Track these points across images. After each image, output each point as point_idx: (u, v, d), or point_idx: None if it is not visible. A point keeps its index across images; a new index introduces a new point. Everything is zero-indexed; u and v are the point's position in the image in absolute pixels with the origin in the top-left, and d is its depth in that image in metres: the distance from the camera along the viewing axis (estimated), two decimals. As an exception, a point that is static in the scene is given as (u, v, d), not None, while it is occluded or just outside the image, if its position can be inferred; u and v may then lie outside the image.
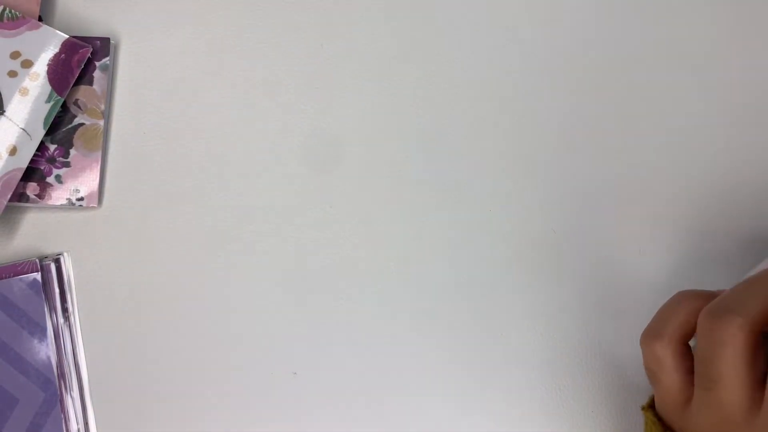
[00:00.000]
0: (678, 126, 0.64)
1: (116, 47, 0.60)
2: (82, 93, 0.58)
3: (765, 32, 0.65)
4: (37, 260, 0.55)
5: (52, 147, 0.57)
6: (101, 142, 0.58)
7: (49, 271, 0.56)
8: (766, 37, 0.65)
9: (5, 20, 0.56)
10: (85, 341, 0.57)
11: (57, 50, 0.56)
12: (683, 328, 0.46)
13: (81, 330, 0.57)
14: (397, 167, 0.61)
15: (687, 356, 0.46)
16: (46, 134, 0.56)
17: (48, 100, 0.56)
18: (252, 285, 0.59)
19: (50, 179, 0.57)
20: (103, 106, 0.58)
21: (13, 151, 0.55)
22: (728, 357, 0.41)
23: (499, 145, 0.62)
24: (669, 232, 0.63)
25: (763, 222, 0.64)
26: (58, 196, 0.57)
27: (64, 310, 0.56)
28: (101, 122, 0.58)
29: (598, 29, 0.64)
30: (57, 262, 0.56)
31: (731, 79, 0.65)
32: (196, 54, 0.60)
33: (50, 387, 0.55)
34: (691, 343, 0.47)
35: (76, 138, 0.57)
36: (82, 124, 0.58)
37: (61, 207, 0.57)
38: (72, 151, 0.57)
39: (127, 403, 0.57)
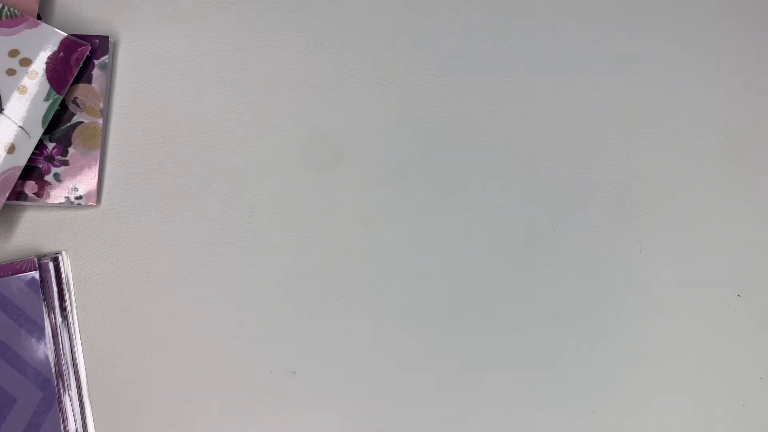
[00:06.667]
0: (677, 126, 0.64)
1: (115, 45, 0.59)
2: (81, 91, 0.58)
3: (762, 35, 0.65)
4: (36, 259, 0.55)
5: (51, 145, 0.57)
6: (100, 140, 0.58)
7: (48, 269, 0.56)
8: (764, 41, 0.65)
9: (4, 18, 0.56)
10: (83, 340, 0.57)
11: (56, 48, 0.56)
12: None
13: (79, 329, 0.57)
14: (397, 167, 0.61)
15: None
16: (45, 132, 0.56)
17: (46, 99, 0.56)
18: (252, 284, 0.59)
19: (49, 177, 0.57)
20: (102, 105, 0.58)
21: (11, 150, 0.55)
22: None
23: (499, 145, 0.62)
24: (669, 230, 0.63)
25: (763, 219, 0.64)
26: (57, 194, 0.57)
27: (63, 309, 0.56)
28: (100, 120, 0.58)
29: (599, 30, 0.64)
30: (55, 260, 0.56)
31: (731, 80, 0.65)
32: (195, 52, 0.60)
33: (48, 386, 0.54)
34: None
35: (75, 136, 0.57)
36: (80, 123, 0.57)
37: (60, 205, 0.57)
38: (71, 150, 0.57)
39: (126, 402, 0.57)
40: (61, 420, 0.55)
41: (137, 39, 0.60)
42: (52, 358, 0.55)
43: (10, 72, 0.55)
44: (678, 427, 0.62)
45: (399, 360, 0.59)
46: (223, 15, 0.61)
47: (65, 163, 0.57)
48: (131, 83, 0.59)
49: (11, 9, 0.56)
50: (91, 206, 0.58)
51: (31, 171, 0.56)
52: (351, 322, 0.59)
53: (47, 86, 0.56)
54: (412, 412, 0.59)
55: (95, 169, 0.57)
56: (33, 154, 0.56)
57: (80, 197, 0.57)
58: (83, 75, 0.58)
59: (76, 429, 0.55)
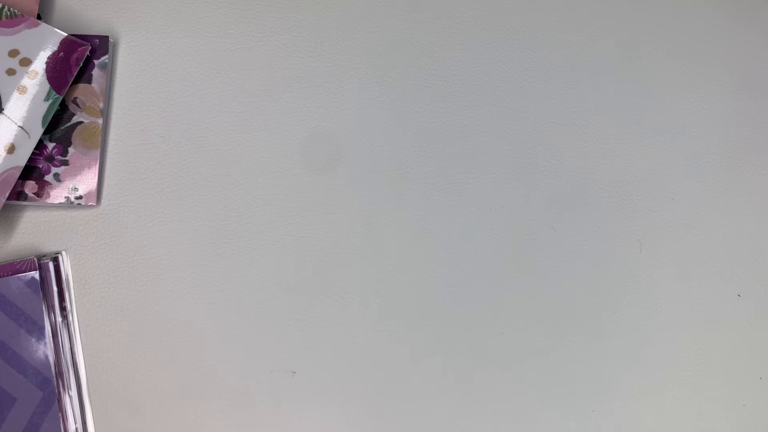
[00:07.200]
0: (677, 126, 0.64)
1: (115, 45, 0.59)
2: (81, 91, 0.58)
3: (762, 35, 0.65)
4: (36, 259, 0.55)
5: (51, 145, 0.57)
6: (100, 140, 0.58)
7: (48, 269, 0.56)
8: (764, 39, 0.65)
9: (4, 18, 0.56)
10: (83, 340, 0.57)
11: (56, 48, 0.56)
12: None
13: (79, 329, 0.57)
14: (397, 167, 0.61)
15: None
16: (45, 132, 0.56)
17: (46, 99, 0.56)
18: (251, 284, 0.59)
19: (48, 177, 0.57)
20: (101, 105, 0.58)
21: (11, 150, 0.55)
22: None
23: (499, 145, 0.62)
24: (669, 230, 0.63)
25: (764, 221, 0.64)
26: (57, 194, 0.57)
27: (62, 308, 0.56)
28: (100, 120, 0.58)
29: (599, 30, 0.64)
30: (55, 260, 0.56)
31: (731, 80, 0.65)
32: (195, 52, 0.60)
33: (48, 386, 0.54)
34: None
35: (75, 136, 0.57)
36: (80, 123, 0.57)
37: (60, 205, 0.57)
38: (71, 150, 0.57)
39: (125, 402, 0.57)
40: (61, 420, 0.55)
41: (137, 39, 0.60)
42: (52, 358, 0.55)
43: (10, 72, 0.55)
44: (678, 427, 0.62)
45: (399, 360, 0.59)
46: (223, 15, 0.61)
47: (65, 163, 0.57)
48: (131, 83, 0.59)
49: (11, 9, 0.56)
50: (91, 206, 0.58)
51: (31, 171, 0.56)
52: (351, 322, 0.59)
53: (47, 86, 0.56)
54: (412, 411, 0.59)
55: (95, 169, 0.57)
56: (33, 154, 0.56)
57: (80, 197, 0.57)
58: (83, 75, 0.58)
59: (76, 429, 0.55)
